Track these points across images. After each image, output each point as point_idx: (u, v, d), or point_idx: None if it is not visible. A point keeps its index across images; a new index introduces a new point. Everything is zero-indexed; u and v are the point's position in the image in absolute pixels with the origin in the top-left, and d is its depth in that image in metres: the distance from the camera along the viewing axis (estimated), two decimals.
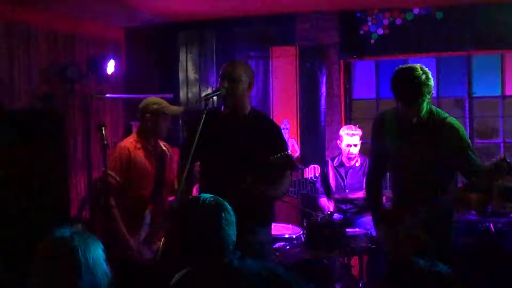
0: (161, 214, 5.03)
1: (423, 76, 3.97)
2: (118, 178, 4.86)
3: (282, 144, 4.25)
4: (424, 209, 4.06)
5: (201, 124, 3.92)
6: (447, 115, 4.15)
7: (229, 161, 4.16)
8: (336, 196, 6.34)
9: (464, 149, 4.07)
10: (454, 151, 4.05)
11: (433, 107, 4.17)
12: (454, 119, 4.17)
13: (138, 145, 4.95)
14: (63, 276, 2.37)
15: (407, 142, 4.18)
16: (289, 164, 3.78)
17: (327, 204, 6.37)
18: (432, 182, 4.10)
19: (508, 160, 3.69)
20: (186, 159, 3.95)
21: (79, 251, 2.39)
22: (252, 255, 4.11)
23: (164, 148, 5.17)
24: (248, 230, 4.13)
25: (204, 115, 3.96)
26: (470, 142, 4.17)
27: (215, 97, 4.24)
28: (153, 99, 5.06)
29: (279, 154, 3.81)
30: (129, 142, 4.98)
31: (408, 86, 3.98)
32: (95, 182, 5.88)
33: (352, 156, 6.36)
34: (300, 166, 6.74)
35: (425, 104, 4.04)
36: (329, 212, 6.04)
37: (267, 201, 4.19)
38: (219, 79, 4.22)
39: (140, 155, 4.94)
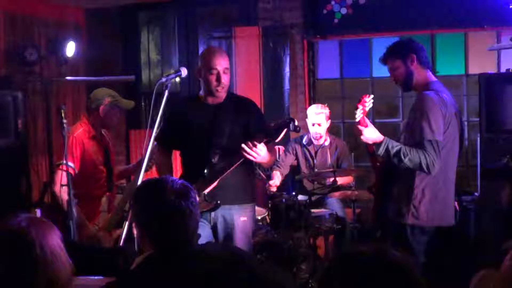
0: (115, 200, 5.12)
1: None
2: (75, 168, 4.83)
3: (262, 117, 4.39)
4: None
5: (162, 106, 3.87)
6: None
7: (214, 145, 4.17)
8: (305, 174, 6.33)
9: None
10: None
11: None
12: None
13: (90, 135, 4.96)
14: (19, 272, 2.27)
15: None
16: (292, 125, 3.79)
17: (275, 176, 6.30)
18: None
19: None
20: (163, 147, 4.29)
21: (36, 244, 2.29)
22: (237, 236, 4.18)
23: (107, 137, 5.20)
24: (236, 210, 4.22)
25: (165, 97, 3.91)
26: None
27: (177, 79, 4.20)
28: (107, 91, 5.05)
29: (282, 119, 3.84)
30: (81, 132, 4.94)
31: None
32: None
33: (317, 135, 6.29)
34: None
35: None
36: (273, 186, 6.09)
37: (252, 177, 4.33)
38: (205, 69, 4.18)
39: (91, 145, 4.96)
